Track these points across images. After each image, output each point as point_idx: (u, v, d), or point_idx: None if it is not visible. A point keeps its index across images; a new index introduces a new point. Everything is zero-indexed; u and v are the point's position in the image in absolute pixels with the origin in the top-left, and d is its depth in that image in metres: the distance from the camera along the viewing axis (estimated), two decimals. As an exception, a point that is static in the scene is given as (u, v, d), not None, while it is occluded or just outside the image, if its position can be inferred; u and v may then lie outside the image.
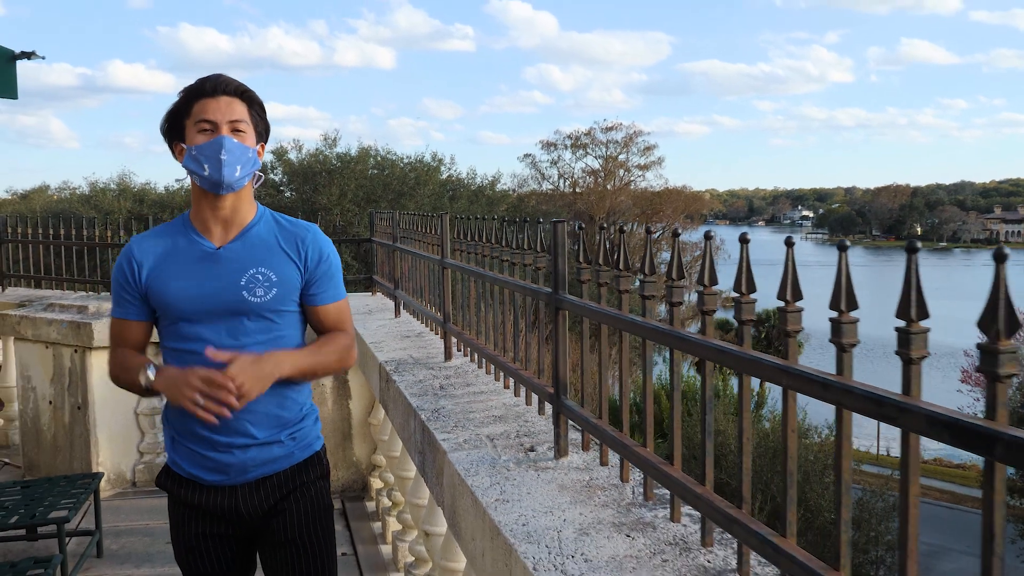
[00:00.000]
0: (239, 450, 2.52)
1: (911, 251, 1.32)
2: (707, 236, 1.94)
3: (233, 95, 2.48)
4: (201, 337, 2.46)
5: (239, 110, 2.47)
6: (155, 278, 2.50)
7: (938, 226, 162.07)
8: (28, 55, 7.49)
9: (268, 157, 33.78)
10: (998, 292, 1.16)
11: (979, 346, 1.19)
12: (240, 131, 2.46)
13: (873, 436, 37.01)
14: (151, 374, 2.44)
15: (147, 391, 2.46)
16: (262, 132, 2.56)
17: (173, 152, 2.54)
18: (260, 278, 2.48)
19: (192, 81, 2.52)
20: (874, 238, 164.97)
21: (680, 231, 2.08)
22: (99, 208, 28.31)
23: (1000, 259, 1.16)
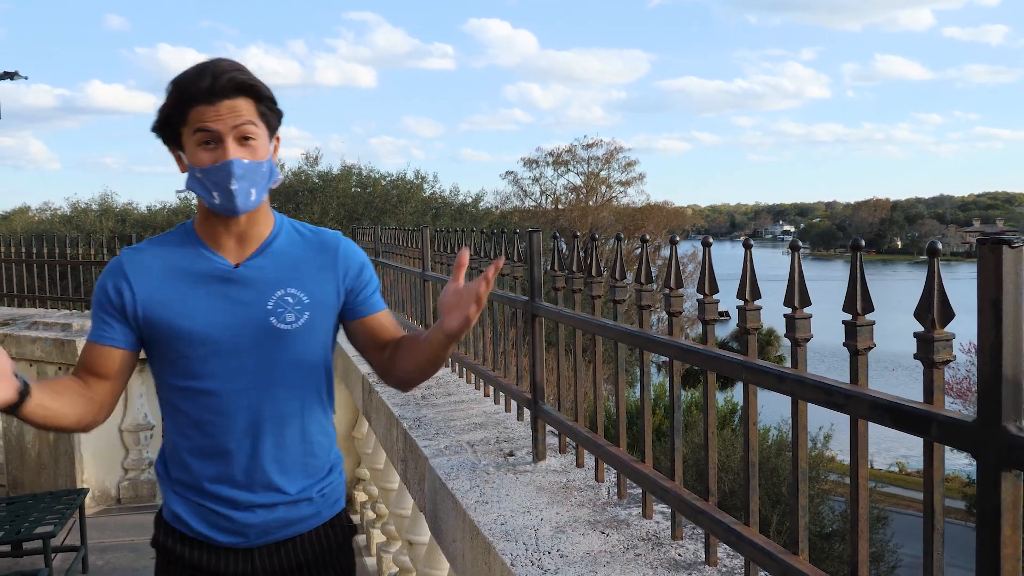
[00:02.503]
0: (264, 509, 2.12)
1: (855, 249, 1.41)
2: (672, 242, 2.04)
3: (235, 95, 1.98)
4: (214, 374, 2.05)
5: (245, 111, 1.99)
6: (158, 304, 2.04)
7: (918, 239, 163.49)
8: (11, 75, 7.56)
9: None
10: (932, 284, 1.25)
11: (916, 335, 1.28)
12: (250, 138, 2.00)
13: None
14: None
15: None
16: (274, 124, 2.09)
17: (176, 158, 2.09)
18: (290, 300, 2.09)
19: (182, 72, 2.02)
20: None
21: (647, 239, 2.17)
22: (81, 228, 28.23)
23: (933, 253, 1.25)
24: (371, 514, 5.96)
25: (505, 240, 3.32)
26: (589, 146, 47.29)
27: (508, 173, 49.02)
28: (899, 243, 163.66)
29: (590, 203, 46.53)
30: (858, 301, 1.41)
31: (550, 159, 47.62)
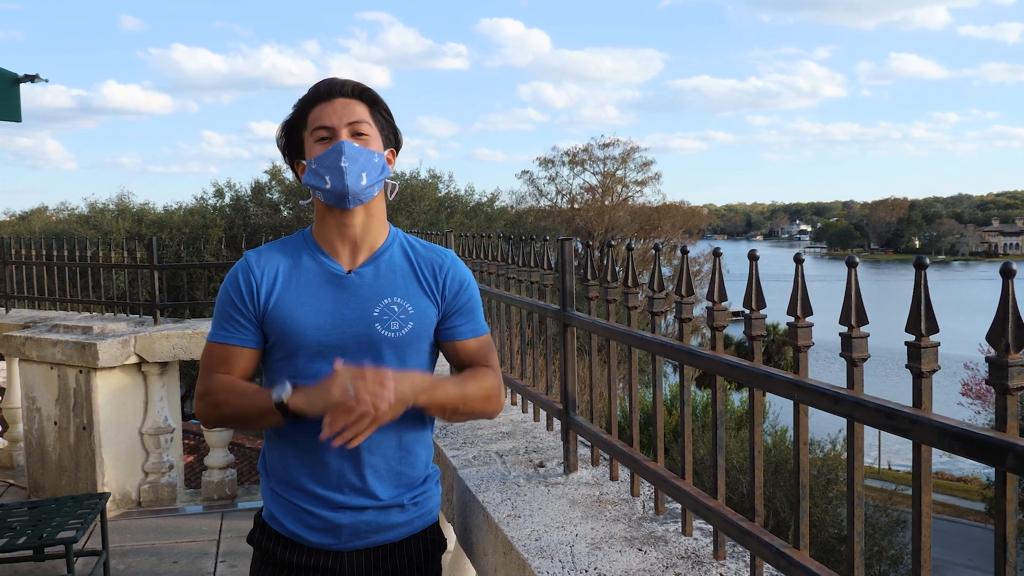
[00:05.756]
0: (354, 512, 2.20)
1: (920, 267, 1.36)
2: (716, 253, 1.98)
3: (351, 96, 2.18)
4: (319, 375, 2.09)
5: (359, 111, 2.17)
6: (279, 301, 2.16)
7: (936, 239, 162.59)
8: (32, 78, 7.56)
9: (264, 177, 33.86)
10: (1007, 306, 1.20)
11: (988, 359, 1.23)
12: (362, 134, 2.15)
13: (874, 450, 36.95)
14: (288, 388, 2.03)
15: (278, 412, 2.04)
16: (390, 136, 2.26)
17: (295, 172, 2.27)
18: (396, 309, 2.18)
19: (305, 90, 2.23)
20: (872, 251, 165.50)
21: (688, 248, 2.11)
22: (98, 228, 28.38)
23: (1007, 275, 1.19)
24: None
25: (535, 247, 3.27)
26: (605, 146, 47.19)
27: (524, 172, 49.11)
28: (917, 242, 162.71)
29: (606, 203, 46.39)
30: (923, 322, 1.35)
31: (566, 158, 47.54)
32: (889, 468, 35.30)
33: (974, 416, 30.10)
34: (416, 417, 2.25)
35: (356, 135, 2.15)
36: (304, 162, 2.19)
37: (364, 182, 2.13)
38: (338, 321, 2.15)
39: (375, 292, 2.18)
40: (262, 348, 2.21)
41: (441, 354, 2.38)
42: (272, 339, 2.18)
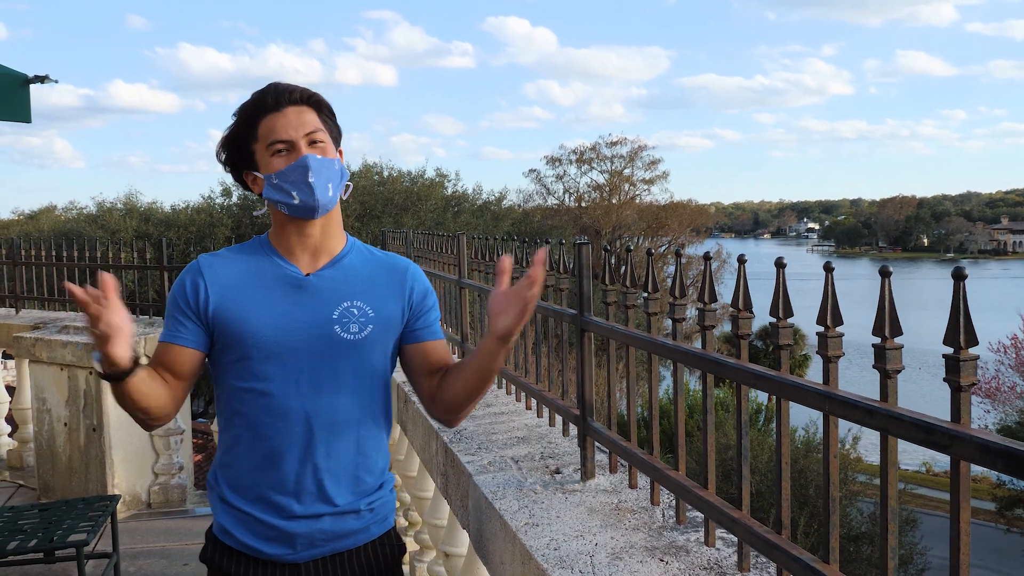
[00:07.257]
0: (311, 519, 2.16)
1: (959, 278, 1.32)
2: (740, 260, 1.94)
3: (300, 103, 2.13)
4: (274, 376, 2.11)
5: (311, 119, 2.13)
6: (229, 303, 2.12)
7: (945, 237, 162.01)
8: (41, 79, 7.54)
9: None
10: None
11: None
12: (319, 142, 2.12)
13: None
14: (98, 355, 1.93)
15: (109, 379, 1.96)
16: (336, 137, 2.22)
17: (244, 184, 2.22)
18: (355, 312, 2.15)
19: (248, 97, 2.17)
20: (880, 250, 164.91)
21: (712, 255, 2.07)
22: (106, 228, 28.34)
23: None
24: (403, 521, 5.89)
25: (549, 250, 3.23)
26: (612, 144, 47.17)
27: (531, 171, 49.00)
28: (925, 241, 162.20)
29: (613, 201, 46.33)
30: (961, 335, 1.32)
31: (573, 157, 47.49)
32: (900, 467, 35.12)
33: (983, 415, 29.96)
34: (374, 423, 2.25)
35: (313, 144, 2.13)
36: (260, 176, 2.15)
37: (331, 193, 2.14)
38: (295, 323, 2.12)
39: (335, 295, 2.16)
40: (205, 351, 2.18)
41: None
42: (224, 341, 2.14)
